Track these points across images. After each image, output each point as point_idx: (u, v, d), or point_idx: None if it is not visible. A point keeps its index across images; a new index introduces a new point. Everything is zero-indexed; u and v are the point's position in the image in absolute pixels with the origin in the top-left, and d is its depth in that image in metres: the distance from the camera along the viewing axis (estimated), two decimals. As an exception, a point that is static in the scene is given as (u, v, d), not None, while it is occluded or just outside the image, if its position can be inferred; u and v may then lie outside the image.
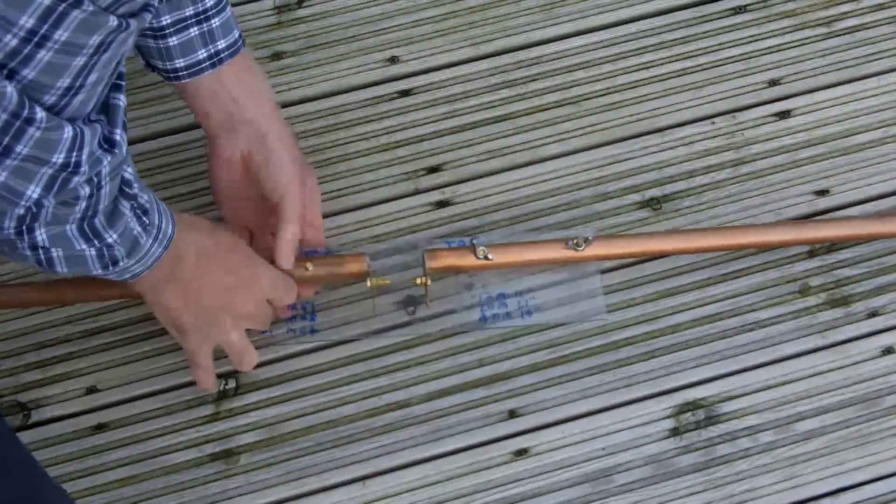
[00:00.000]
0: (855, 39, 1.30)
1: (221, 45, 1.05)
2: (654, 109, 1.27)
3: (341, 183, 1.24)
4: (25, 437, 1.11)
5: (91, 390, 1.14)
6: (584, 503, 1.10)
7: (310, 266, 1.10)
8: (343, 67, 1.30)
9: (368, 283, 1.12)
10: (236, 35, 1.06)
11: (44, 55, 0.73)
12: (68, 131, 0.79)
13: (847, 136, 1.25)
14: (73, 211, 0.85)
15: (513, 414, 1.13)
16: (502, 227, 1.21)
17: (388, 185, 1.24)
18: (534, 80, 1.29)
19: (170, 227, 0.96)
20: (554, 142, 1.26)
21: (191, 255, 1.00)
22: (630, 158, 1.25)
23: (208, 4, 1.03)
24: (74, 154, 0.80)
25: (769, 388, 1.14)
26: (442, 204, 1.23)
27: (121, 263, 0.92)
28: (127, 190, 0.90)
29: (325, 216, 1.18)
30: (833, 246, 1.19)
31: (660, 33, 1.31)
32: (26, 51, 0.73)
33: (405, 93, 1.28)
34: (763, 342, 1.16)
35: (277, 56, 1.30)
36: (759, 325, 1.16)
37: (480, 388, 1.14)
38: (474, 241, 1.13)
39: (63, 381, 1.15)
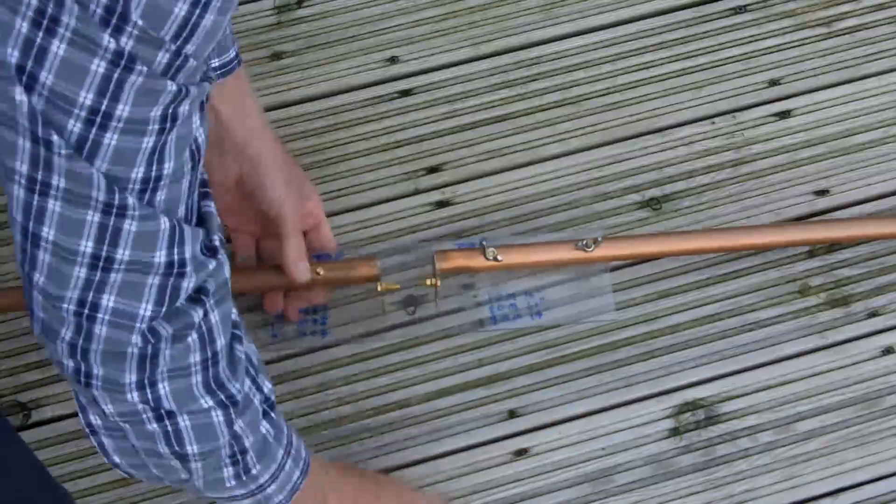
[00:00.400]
0: (855, 39, 1.30)
1: (214, 63, 1.03)
2: (654, 109, 1.27)
3: (341, 183, 1.24)
4: (25, 437, 1.11)
5: (91, 390, 1.14)
6: (583, 503, 1.10)
7: (321, 270, 1.10)
8: (343, 67, 1.30)
9: (379, 287, 1.12)
10: (232, 55, 1.04)
11: (110, 138, 0.69)
12: (164, 222, 0.74)
13: (847, 136, 1.25)
14: (188, 346, 0.79)
15: (512, 414, 1.13)
16: (502, 227, 1.21)
17: (388, 185, 1.24)
18: (534, 80, 1.29)
19: (302, 449, 0.92)
20: (554, 142, 1.26)
21: (333, 498, 0.96)
22: (630, 158, 1.25)
23: None
24: (176, 251, 0.75)
25: (769, 388, 1.14)
26: (442, 204, 1.23)
27: (253, 471, 0.87)
28: (237, 333, 0.85)
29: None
30: (833, 246, 1.19)
31: (660, 33, 1.31)
32: (92, 136, 0.69)
33: (405, 93, 1.28)
34: (763, 342, 1.16)
35: (277, 56, 1.30)
36: (759, 325, 1.16)
37: (480, 388, 1.14)
38: (484, 243, 1.14)
39: (63, 381, 1.15)
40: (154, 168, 0.73)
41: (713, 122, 1.26)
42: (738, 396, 1.14)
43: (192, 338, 0.79)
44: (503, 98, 1.28)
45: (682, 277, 1.18)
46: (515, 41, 1.31)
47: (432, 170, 1.24)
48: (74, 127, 0.69)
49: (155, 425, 0.81)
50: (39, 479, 0.92)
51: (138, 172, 0.72)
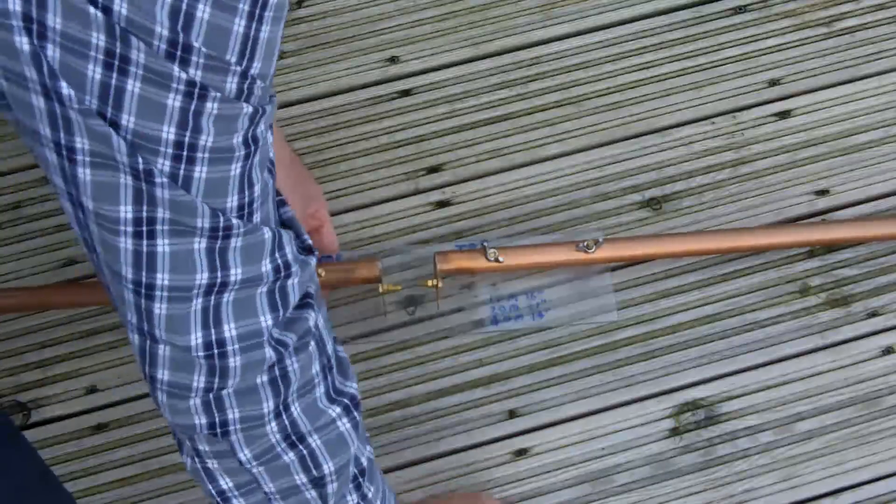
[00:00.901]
0: (855, 39, 1.30)
1: None
2: (654, 109, 1.27)
3: (341, 183, 1.24)
4: (25, 436, 1.11)
5: (91, 390, 1.14)
6: (583, 503, 1.10)
7: (322, 272, 1.10)
8: (343, 67, 1.30)
9: (381, 289, 1.12)
10: (270, 153, 1.05)
11: (200, 172, 0.70)
12: (267, 232, 0.75)
13: (847, 136, 1.25)
14: (310, 355, 0.80)
15: (513, 414, 1.13)
16: (502, 227, 1.21)
17: (388, 185, 1.24)
18: (534, 80, 1.29)
19: (392, 498, 0.91)
20: (554, 142, 1.26)
21: None
22: (630, 158, 1.25)
23: None
24: (279, 255, 0.76)
25: (769, 388, 1.14)
26: (442, 204, 1.23)
27: (367, 493, 0.86)
28: (333, 334, 0.86)
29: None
30: (833, 246, 1.19)
31: (660, 33, 1.31)
32: (182, 172, 0.69)
33: (405, 93, 1.28)
34: (763, 342, 1.16)
35: (278, 56, 1.30)
36: (759, 325, 1.16)
37: (480, 388, 1.14)
38: (485, 244, 1.14)
39: (63, 381, 1.15)
40: (246, 194, 0.73)
41: (713, 122, 1.26)
42: (737, 396, 1.14)
43: (312, 345, 0.80)
44: (503, 98, 1.28)
45: (682, 277, 1.18)
46: (515, 41, 1.31)
47: (432, 170, 1.24)
48: (164, 166, 0.69)
49: (291, 455, 0.81)
50: (41, 480, 0.92)
51: (233, 201, 0.72)
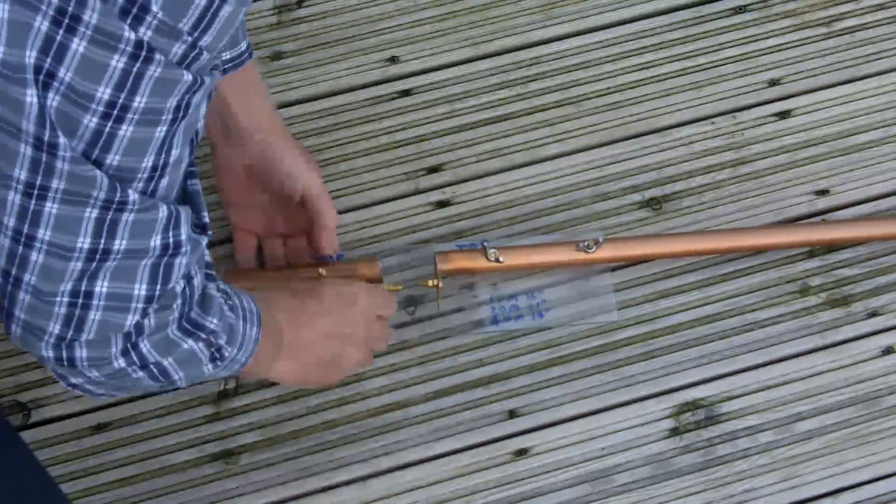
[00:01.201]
0: (855, 39, 1.30)
1: (225, 56, 1.04)
2: (654, 109, 1.27)
3: (341, 183, 1.24)
4: (25, 437, 1.11)
5: (91, 390, 1.14)
6: (584, 503, 1.10)
7: (322, 271, 1.10)
8: (343, 67, 1.30)
9: (381, 289, 1.12)
10: (242, 48, 1.05)
11: (125, 130, 0.70)
12: (163, 211, 0.76)
13: (847, 136, 1.25)
14: (172, 311, 0.81)
15: (513, 414, 1.13)
16: (502, 227, 1.21)
17: (388, 185, 1.24)
18: (534, 80, 1.29)
19: (252, 304, 0.92)
20: (554, 142, 1.26)
21: (283, 321, 0.97)
22: (630, 158, 1.25)
23: None
24: (172, 234, 0.77)
25: (769, 388, 1.14)
26: (442, 204, 1.23)
27: (227, 354, 0.88)
28: (210, 272, 0.87)
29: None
30: (833, 246, 1.19)
31: (660, 33, 1.31)
32: (108, 129, 0.70)
33: (405, 93, 1.28)
34: (763, 342, 1.16)
35: (277, 56, 1.30)
36: (759, 325, 1.16)
37: (480, 388, 1.14)
38: (485, 244, 1.14)
39: (63, 381, 1.15)
40: (162, 156, 0.74)
41: (713, 122, 1.26)
42: (738, 396, 1.14)
43: (177, 303, 0.81)
44: (503, 98, 1.28)
45: (682, 277, 1.18)
46: (515, 41, 1.31)
47: (432, 170, 1.24)
48: (90, 122, 0.69)
49: (141, 373, 0.83)
50: (39, 481, 0.92)
51: (148, 161, 0.73)
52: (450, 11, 1.33)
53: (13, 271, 0.75)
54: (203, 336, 0.85)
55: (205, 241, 0.83)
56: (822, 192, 1.23)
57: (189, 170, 0.82)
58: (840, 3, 1.33)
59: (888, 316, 1.17)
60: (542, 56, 1.30)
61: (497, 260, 1.13)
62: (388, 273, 1.17)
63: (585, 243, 1.14)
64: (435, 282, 1.13)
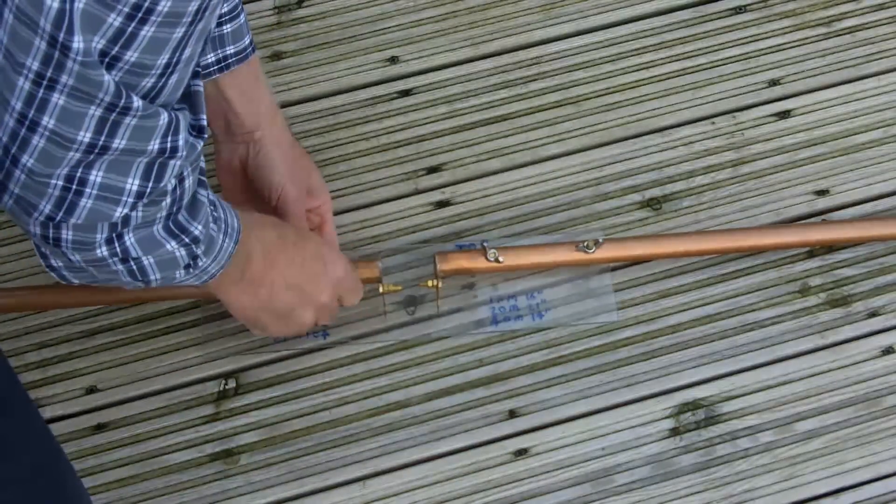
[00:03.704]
0: (855, 39, 1.30)
1: (230, 50, 1.04)
2: (654, 109, 1.27)
3: (341, 183, 1.24)
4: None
5: (91, 390, 1.14)
6: (584, 503, 1.10)
7: None
8: (343, 67, 1.30)
9: (381, 289, 1.12)
10: (246, 42, 1.06)
11: (147, 31, 0.72)
12: (164, 118, 0.78)
13: (847, 136, 1.25)
14: (160, 208, 0.84)
15: (513, 414, 1.13)
16: (502, 227, 1.21)
17: (388, 185, 1.24)
18: (534, 80, 1.29)
19: (235, 220, 0.95)
20: (554, 142, 1.26)
21: (258, 252, 0.99)
22: (630, 158, 1.25)
23: (222, 11, 1.02)
24: (170, 139, 0.79)
25: (769, 388, 1.14)
26: (442, 204, 1.23)
27: (200, 262, 0.91)
28: (202, 178, 0.89)
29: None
30: (833, 246, 1.19)
31: (660, 33, 1.31)
32: (130, 29, 0.71)
33: (405, 93, 1.28)
34: (763, 342, 1.16)
35: (277, 56, 1.30)
36: (759, 325, 1.16)
37: (480, 388, 1.14)
38: (485, 244, 1.14)
39: (63, 381, 1.15)
40: (176, 54, 0.76)
41: (713, 122, 1.26)
42: (738, 396, 1.14)
43: (166, 201, 0.83)
44: (503, 98, 1.28)
45: (682, 277, 1.18)
46: (515, 41, 1.31)
47: (432, 170, 1.24)
48: (115, 21, 0.70)
49: (120, 266, 0.85)
50: (55, 460, 0.92)
51: (163, 59, 0.75)
52: (450, 11, 1.33)
53: (13, 150, 0.76)
54: (186, 240, 0.87)
55: (200, 144, 0.84)
56: (822, 192, 1.23)
57: (195, 70, 0.84)
58: (840, 3, 1.33)
59: (888, 316, 1.17)
60: (542, 56, 1.30)
61: (497, 260, 1.13)
62: (388, 273, 1.17)
63: (585, 243, 1.14)
64: (435, 282, 1.13)
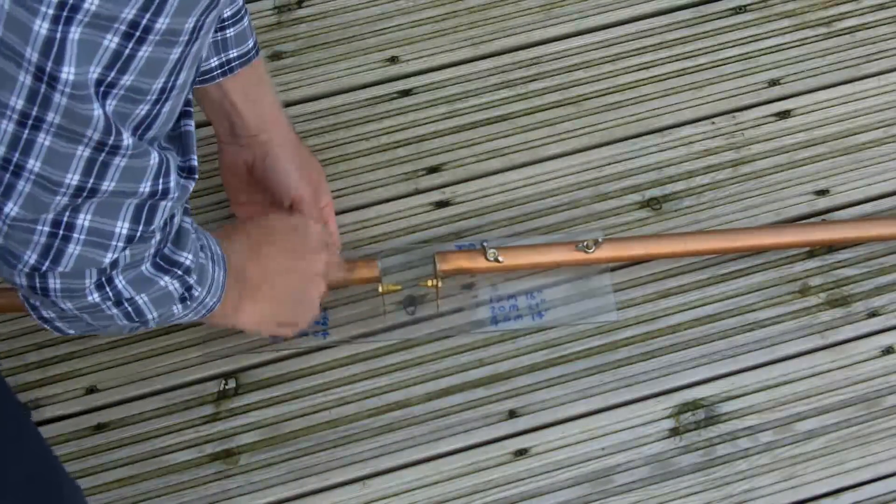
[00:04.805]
0: (855, 39, 1.30)
1: (233, 53, 1.04)
2: (654, 109, 1.27)
3: (341, 183, 1.24)
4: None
5: (91, 390, 1.14)
6: (583, 503, 1.10)
7: None
8: (343, 67, 1.30)
9: (380, 289, 1.12)
10: (250, 45, 1.06)
11: (145, 51, 0.69)
12: (155, 157, 0.75)
13: (847, 136, 1.25)
14: (149, 246, 0.81)
15: (513, 414, 1.13)
16: (502, 227, 1.21)
17: (388, 185, 1.24)
18: (534, 80, 1.29)
19: (217, 246, 0.93)
20: (554, 142, 1.26)
21: (242, 261, 0.98)
22: (630, 158, 1.25)
23: (226, 15, 1.03)
24: (161, 181, 0.77)
25: (769, 388, 1.14)
26: (442, 204, 1.23)
27: (196, 294, 0.89)
28: (186, 206, 0.87)
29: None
30: (833, 246, 1.19)
31: (660, 33, 1.31)
32: (127, 51, 0.69)
33: (405, 93, 1.28)
34: (763, 342, 1.16)
35: (277, 56, 1.30)
36: (759, 325, 1.16)
37: (480, 388, 1.14)
38: (484, 244, 1.14)
39: (63, 381, 1.15)
40: (172, 78, 0.73)
41: (713, 122, 1.26)
42: (738, 396, 1.14)
43: (155, 239, 0.81)
44: (503, 98, 1.28)
45: (682, 277, 1.18)
46: (515, 41, 1.31)
47: (432, 170, 1.24)
48: (111, 43, 0.68)
49: (115, 310, 0.83)
50: (51, 470, 0.92)
51: (159, 82, 0.72)
52: (450, 11, 1.33)
53: None
54: (179, 272, 0.85)
55: (191, 185, 0.83)
56: (822, 192, 1.22)
57: (184, 109, 0.82)
58: (840, 3, 1.33)
59: (888, 316, 1.17)
60: (542, 56, 1.30)
61: (497, 260, 1.13)
62: (388, 273, 1.17)
63: (585, 243, 1.14)
64: (434, 282, 1.13)
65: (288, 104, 1.27)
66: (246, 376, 1.15)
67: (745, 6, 1.33)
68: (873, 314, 1.17)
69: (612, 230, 1.20)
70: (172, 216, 0.82)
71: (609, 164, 1.24)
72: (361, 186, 1.24)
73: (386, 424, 1.13)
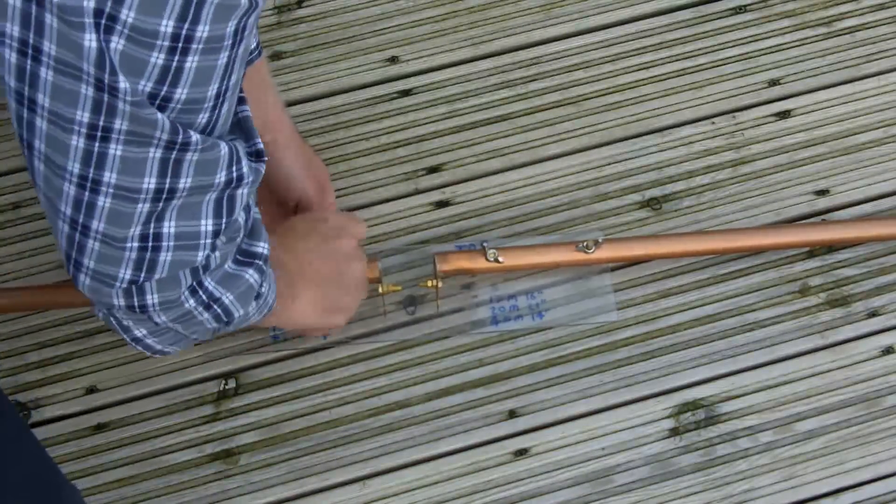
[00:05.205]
0: (855, 39, 1.30)
1: None
2: (654, 109, 1.27)
3: (341, 183, 1.24)
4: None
5: (91, 390, 1.14)
6: (583, 503, 1.10)
7: None
8: (343, 67, 1.30)
9: (380, 289, 1.12)
10: (253, 45, 1.05)
11: (191, 62, 0.70)
12: (224, 148, 0.76)
13: (847, 136, 1.25)
14: (235, 244, 0.82)
15: (513, 414, 1.13)
16: (502, 228, 1.21)
17: (388, 185, 1.24)
18: (534, 80, 1.29)
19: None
20: (554, 142, 1.26)
21: (279, 256, 0.97)
22: (630, 158, 1.25)
23: None
24: (234, 168, 0.77)
25: (769, 388, 1.14)
26: (442, 204, 1.23)
27: (263, 290, 0.89)
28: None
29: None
30: (833, 246, 1.19)
31: (660, 33, 1.31)
32: (174, 64, 0.69)
33: (405, 93, 1.28)
34: (763, 342, 1.16)
35: (277, 56, 1.30)
36: (759, 325, 1.16)
37: (480, 388, 1.14)
38: (484, 244, 1.14)
39: (63, 381, 1.15)
40: (225, 82, 0.73)
41: (713, 122, 1.26)
42: (738, 396, 1.14)
43: (240, 235, 0.82)
44: (503, 98, 1.28)
45: (682, 277, 1.18)
46: (515, 41, 1.31)
47: (432, 170, 1.24)
48: (157, 59, 0.68)
49: (206, 315, 0.84)
50: (49, 472, 0.92)
51: (213, 89, 0.73)
52: (450, 11, 1.33)
53: (80, 219, 0.74)
54: (259, 262, 0.86)
55: (262, 168, 0.83)
56: (822, 192, 1.22)
57: (241, 96, 0.82)
58: (840, 3, 1.33)
59: (888, 316, 1.17)
60: (542, 56, 1.30)
61: (496, 260, 1.13)
62: (388, 273, 1.17)
63: (585, 244, 1.14)
64: (434, 282, 1.13)
65: (288, 104, 1.27)
66: (246, 376, 1.15)
67: (745, 6, 1.32)
68: (873, 314, 1.17)
69: (612, 230, 1.20)
70: (249, 207, 0.83)
71: (609, 164, 1.24)
72: (361, 186, 1.24)
73: (386, 424, 1.13)
